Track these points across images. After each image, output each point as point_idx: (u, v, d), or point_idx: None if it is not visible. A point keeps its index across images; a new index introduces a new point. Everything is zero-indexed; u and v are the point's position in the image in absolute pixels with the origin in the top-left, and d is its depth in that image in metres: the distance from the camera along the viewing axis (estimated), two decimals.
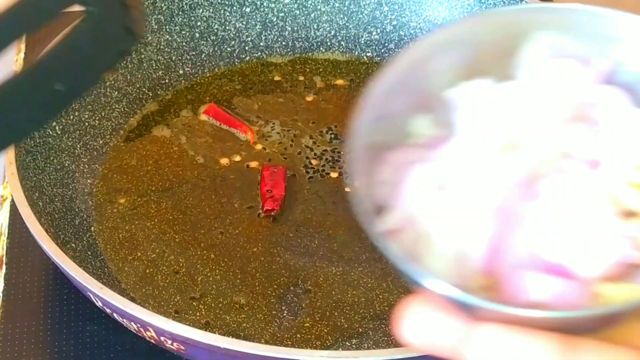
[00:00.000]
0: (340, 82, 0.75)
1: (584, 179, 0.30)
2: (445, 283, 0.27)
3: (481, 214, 0.30)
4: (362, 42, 0.76)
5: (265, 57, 0.76)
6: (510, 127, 0.32)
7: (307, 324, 0.57)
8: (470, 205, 0.31)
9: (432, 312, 0.28)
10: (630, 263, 0.29)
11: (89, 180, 0.65)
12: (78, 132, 0.66)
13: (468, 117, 0.33)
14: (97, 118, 0.68)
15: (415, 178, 0.32)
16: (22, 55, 0.78)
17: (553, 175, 0.31)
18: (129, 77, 0.71)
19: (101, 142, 0.67)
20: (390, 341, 0.56)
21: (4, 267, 0.61)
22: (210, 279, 0.59)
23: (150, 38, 0.72)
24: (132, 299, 0.55)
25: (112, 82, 0.70)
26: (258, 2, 0.75)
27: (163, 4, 0.72)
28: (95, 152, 0.67)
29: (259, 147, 0.69)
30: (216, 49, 0.75)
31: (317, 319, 0.57)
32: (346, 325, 0.57)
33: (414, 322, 0.29)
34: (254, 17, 0.76)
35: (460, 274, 0.30)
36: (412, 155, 0.34)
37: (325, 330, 0.57)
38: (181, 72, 0.73)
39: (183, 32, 0.74)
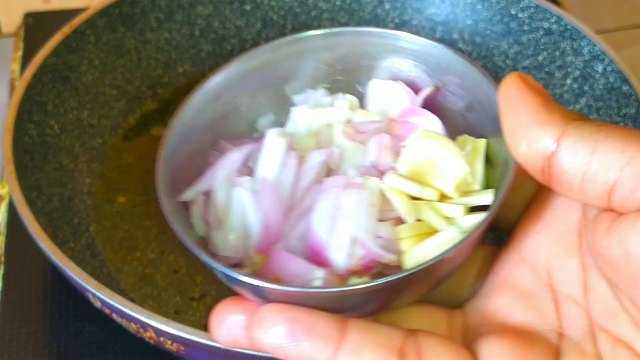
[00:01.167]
0: None
1: (356, 183, 0.35)
2: (213, 261, 0.32)
3: (267, 201, 0.35)
4: None
5: None
6: (323, 131, 0.38)
7: None
8: (259, 191, 0.35)
9: (230, 308, 0.33)
10: (378, 261, 0.34)
11: (87, 180, 0.64)
12: (77, 130, 0.65)
13: (296, 121, 0.38)
14: (95, 117, 0.67)
15: (225, 160, 0.37)
16: (20, 54, 0.78)
17: (335, 177, 0.35)
18: (128, 76, 0.70)
19: (100, 141, 0.67)
20: None
21: (2, 267, 0.61)
22: (211, 279, 0.59)
23: (149, 36, 0.72)
24: (132, 299, 0.55)
25: (111, 80, 0.69)
26: (258, 0, 0.75)
27: (162, 2, 0.72)
28: (94, 151, 0.66)
29: None
30: (216, 47, 0.74)
31: None
32: None
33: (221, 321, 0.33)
34: (254, 15, 0.75)
35: (240, 250, 0.35)
36: (241, 144, 0.38)
37: None
38: (181, 70, 0.73)
39: (183, 30, 0.73)
